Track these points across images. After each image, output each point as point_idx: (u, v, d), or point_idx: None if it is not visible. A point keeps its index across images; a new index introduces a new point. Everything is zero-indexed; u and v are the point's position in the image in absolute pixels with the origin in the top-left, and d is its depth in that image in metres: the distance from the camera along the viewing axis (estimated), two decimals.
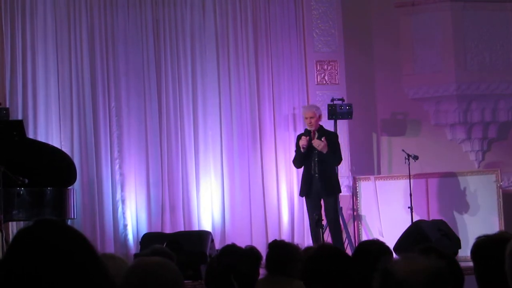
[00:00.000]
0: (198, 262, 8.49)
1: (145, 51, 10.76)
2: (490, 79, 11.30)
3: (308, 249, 4.72)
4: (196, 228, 10.44)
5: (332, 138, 9.83)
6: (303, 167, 9.88)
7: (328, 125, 10.97)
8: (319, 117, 9.81)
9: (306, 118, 9.79)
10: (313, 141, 9.61)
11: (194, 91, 10.89)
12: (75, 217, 9.18)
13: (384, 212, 10.85)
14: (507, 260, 2.78)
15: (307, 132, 9.73)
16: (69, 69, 10.52)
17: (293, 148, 11.02)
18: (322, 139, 9.57)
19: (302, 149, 9.63)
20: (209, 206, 10.71)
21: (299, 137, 9.90)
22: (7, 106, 10.10)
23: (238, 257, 4.21)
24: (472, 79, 11.28)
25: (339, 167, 10.68)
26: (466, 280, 3.34)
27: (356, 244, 9.78)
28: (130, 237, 10.46)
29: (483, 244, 3.13)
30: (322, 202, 9.74)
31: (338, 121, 10.77)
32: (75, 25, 10.58)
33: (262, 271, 4.57)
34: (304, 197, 9.87)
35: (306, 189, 9.70)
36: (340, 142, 10.93)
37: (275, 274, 4.46)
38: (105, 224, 10.40)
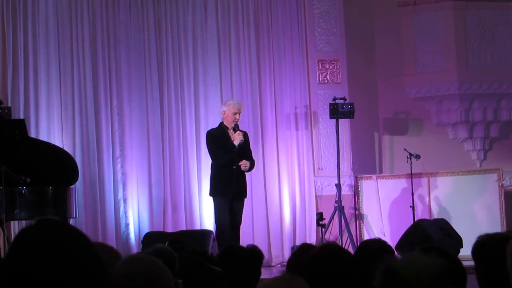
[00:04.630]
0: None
1: (147, 50, 10.77)
2: (492, 78, 11.30)
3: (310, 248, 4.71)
4: (198, 227, 10.44)
5: (246, 137, 9.46)
6: (214, 166, 9.38)
7: (329, 124, 10.98)
8: None
9: (235, 113, 9.30)
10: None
11: (196, 90, 10.89)
12: (77, 216, 9.18)
13: (386, 211, 10.85)
14: (508, 259, 2.78)
15: (236, 127, 9.23)
16: (71, 68, 10.53)
17: (295, 147, 11.03)
18: (242, 162, 9.19)
19: (238, 145, 9.16)
20: (211, 205, 10.70)
21: (215, 133, 9.38)
22: (9, 105, 10.11)
23: (240, 256, 4.21)
24: (474, 78, 11.29)
25: (339, 165, 10.70)
26: (468, 279, 3.33)
27: (358, 243, 9.78)
28: (132, 236, 10.47)
29: (484, 243, 3.12)
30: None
31: (340, 120, 10.78)
32: (77, 24, 10.59)
33: (264, 271, 4.55)
34: (216, 197, 9.32)
35: (229, 189, 9.16)
36: (341, 141, 10.95)
37: (294, 273, 4.42)
38: (107, 223, 10.41)
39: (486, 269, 3.06)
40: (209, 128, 10.87)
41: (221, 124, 9.42)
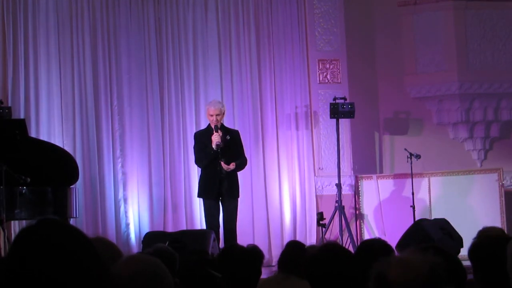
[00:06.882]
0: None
1: (147, 50, 10.77)
2: (492, 78, 11.30)
3: (311, 248, 4.71)
4: (198, 227, 10.44)
5: (236, 137, 9.42)
6: (197, 166, 9.44)
7: (330, 124, 10.98)
8: (224, 114, 9.38)
9: (212, 115, 9.19)
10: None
11: (196, 90, 10.90)
12: (77, 216, 9.18)
13: (386, 211, 10.85)
14: (509, 260, 2.78)
15: (216, 128, 9.15)
16: (71, 67, 10.53)
17: (295, 147, 11.03)
18: (230, 165, 9.07)
19: (216, 147, 9.05)
20: None
21: (200, 135, 9.39)
22: (9, 105, 10.11)
23: (240, 256, 4.21)
24: (474, 78, 11.29)
25: (339, 164, 10.70)
26: (468, 279, 3.33)
27: (358, 243, 9.77)
28: (132, 236, 10.47)
29: (480, 244, 3.12)
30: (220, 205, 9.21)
31: (340, 120, 10.78)
32: (77, 24, 10.59)
33: (264, 270, 4.56)
34: (203, 199, 9.31)
35: (212, 190, 9.12)
36: (342, 141, 10.95)
37: (286, 273, 4.44)
38: (107, 223, 10.41)
39: (483, 270, 3.06)
40: None
41: (209, 125, 9.41)
